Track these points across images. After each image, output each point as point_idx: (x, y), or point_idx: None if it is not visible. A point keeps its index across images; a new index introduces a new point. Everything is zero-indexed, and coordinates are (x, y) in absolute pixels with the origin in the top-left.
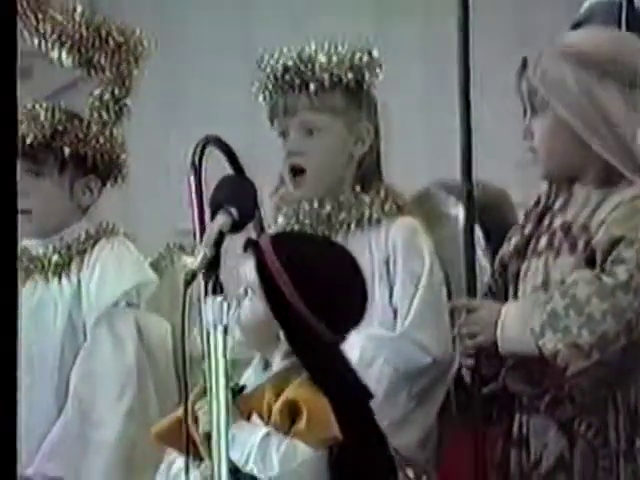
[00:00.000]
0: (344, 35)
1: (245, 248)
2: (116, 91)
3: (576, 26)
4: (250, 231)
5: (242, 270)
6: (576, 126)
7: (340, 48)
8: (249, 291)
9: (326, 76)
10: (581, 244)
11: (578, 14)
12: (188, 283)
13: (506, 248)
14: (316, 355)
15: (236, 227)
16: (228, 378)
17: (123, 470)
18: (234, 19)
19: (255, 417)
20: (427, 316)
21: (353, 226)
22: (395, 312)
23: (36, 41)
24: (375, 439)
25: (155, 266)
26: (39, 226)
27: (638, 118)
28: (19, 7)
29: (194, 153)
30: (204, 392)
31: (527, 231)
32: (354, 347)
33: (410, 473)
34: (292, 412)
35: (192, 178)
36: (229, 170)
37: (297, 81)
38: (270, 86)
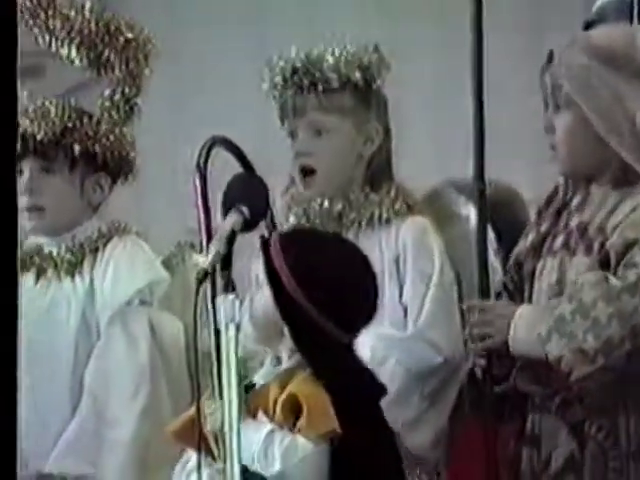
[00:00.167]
0: (356, 35)
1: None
2: (126, 90)
3: (589, 25)
4: (263, 229)
5: (255, 267)
6: (597, 124)
7: (349, 48)
8: (261, 288)
9: (334, 76)
10: (596, 246)
11: (590, 13)
12: (200, 282)
13: (522, 245)
14: (321, 353)
15: (248, 225)
16: (240, 376)
17: (137, 469)
18: (243, 19)
19: (261, 414)
20: (438, 315)
21: (364, 224)
22: (405, 311)
23: (47, 38)
24: (384, 438)
25: (166, 264)
26: (50, 223)
27: None
28: (29, 3)
29: (199, 154)
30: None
31: (543, 229)
32: (364, 346)
33: (421, 472)
34: (293, 407)
35: (197, 179)
36: (239, 169)
37: (306, 81)
38: (279, 87)
